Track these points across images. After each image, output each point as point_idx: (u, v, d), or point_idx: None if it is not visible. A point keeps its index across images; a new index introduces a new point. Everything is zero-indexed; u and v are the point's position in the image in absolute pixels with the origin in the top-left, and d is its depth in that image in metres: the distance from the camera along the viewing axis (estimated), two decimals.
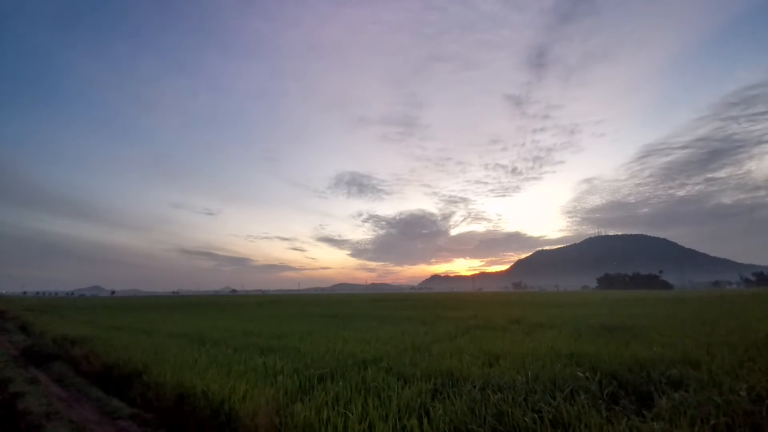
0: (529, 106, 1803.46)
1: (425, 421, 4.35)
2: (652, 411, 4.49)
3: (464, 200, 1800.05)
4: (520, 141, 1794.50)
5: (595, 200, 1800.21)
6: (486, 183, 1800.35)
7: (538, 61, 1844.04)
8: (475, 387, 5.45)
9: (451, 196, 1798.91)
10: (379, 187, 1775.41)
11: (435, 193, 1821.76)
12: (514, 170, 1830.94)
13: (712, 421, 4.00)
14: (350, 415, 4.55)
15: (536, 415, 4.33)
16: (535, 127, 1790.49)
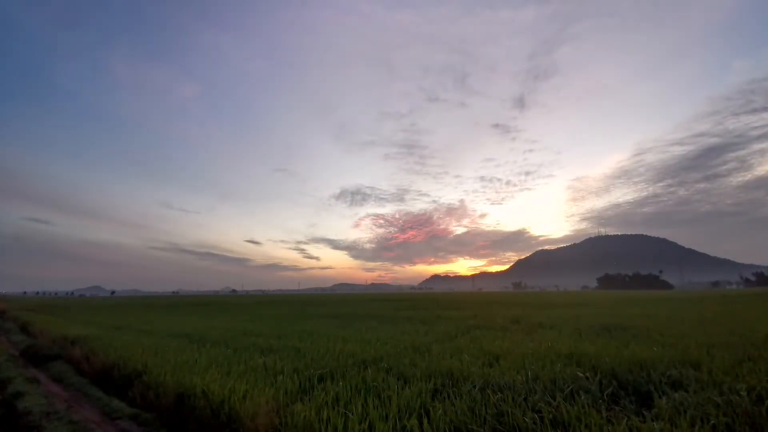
0: (517, 134, 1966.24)
1: (425, 421, 4.36)
2: (652, 411, 4.49)
3: (463, 206, 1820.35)
4: (512, 159, 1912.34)
5: (594, 201, 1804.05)
6: (483, 192, 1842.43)
7: (520, 103, 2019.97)
8: (475, 387, 5.46)
9: (450, 204, 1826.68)
10: (381, 196, 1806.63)
11: (434, 201, 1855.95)
12: (508, 182, 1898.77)
13: (712, 421, 4.01)
14: (350, 415, 4.55)
15: (536, 415, 4.33)
16: (524, 149, 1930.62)
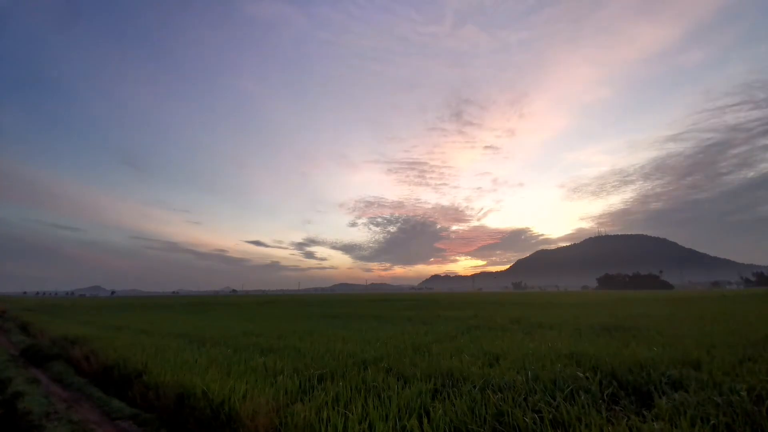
0: (508, 153, 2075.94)
1: (425, 421, 4.35)
2: (652, 411, 4.49)
3: (463, 207, 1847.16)
4: (508, 172, 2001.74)
5: (594, 201, 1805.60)
6: (482, 197, 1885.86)
7: (511, 133, 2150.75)
8: (475, 387, 5.45)
9: (450, 205, 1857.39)
10: (383, 203, 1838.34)
11: (434, 204, 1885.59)
12: (505, 192, 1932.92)
13: (712, 421, 4.00)
14: (350, 415, 4.54)
15: (536, 415, 4.33)
16: (519, 164, 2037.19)
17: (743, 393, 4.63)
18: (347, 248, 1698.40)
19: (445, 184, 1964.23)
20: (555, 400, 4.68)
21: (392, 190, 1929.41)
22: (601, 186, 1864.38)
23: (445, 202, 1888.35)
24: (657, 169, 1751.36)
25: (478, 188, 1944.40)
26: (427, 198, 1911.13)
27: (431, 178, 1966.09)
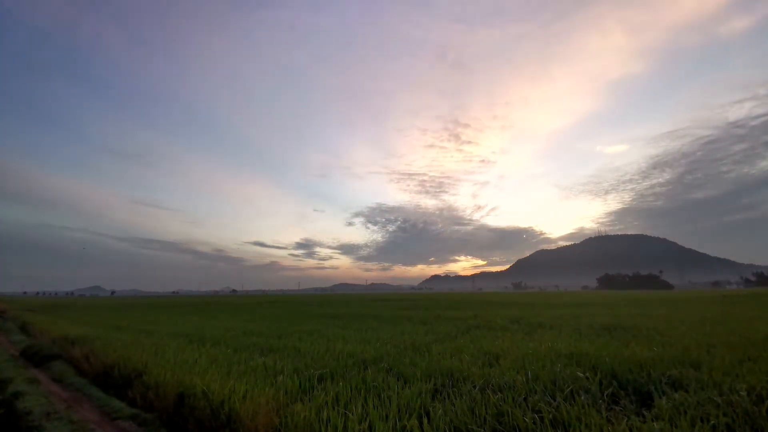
0: (508, 154, 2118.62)
1: (425, 421, 4.35)
2: (652, 411, 4.49)
3: (463, 208, 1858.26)
4: (508, 172, 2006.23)
5: (594, 201, 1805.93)
6: (482, 197, 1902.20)
7: (506, 150, 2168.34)
8: (475, 387, 5.46)
9: (450, 205, 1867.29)
10: (383, 209, 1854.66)
11: (434, 205, 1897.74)
12: (503, 196, 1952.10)
13: (712, 421, 4.00)
14: (350, 415, 4.55)
15: (536, 415, 4.33)
16: (517, 165, 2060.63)
17: (743, 393, 4.63)
18: (347, 248, 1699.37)
19: (444, 192, 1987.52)
20: (555, 400, 4.68)
21: (393, 196, 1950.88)
22: (600, 185, 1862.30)
23: (445, 203, 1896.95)
24: (656, 167, 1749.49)
25: (478, 189, 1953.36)
26: (426, 204, 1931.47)
27: (431, 186, 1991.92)
